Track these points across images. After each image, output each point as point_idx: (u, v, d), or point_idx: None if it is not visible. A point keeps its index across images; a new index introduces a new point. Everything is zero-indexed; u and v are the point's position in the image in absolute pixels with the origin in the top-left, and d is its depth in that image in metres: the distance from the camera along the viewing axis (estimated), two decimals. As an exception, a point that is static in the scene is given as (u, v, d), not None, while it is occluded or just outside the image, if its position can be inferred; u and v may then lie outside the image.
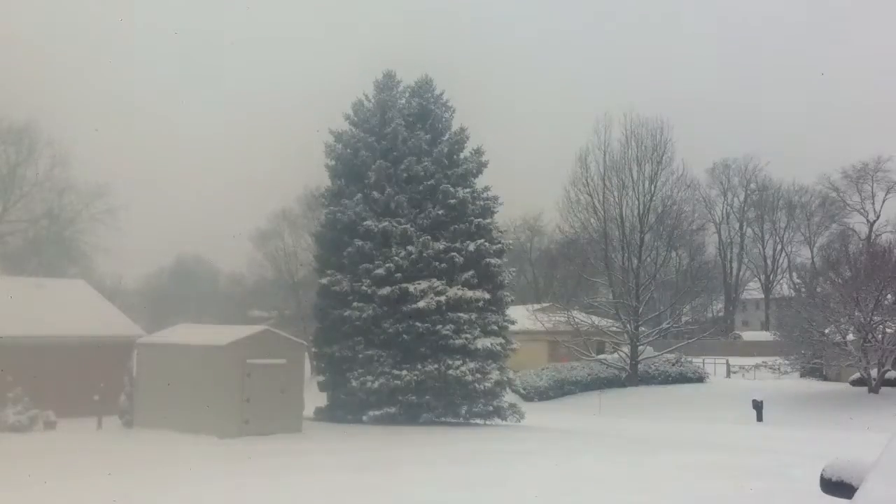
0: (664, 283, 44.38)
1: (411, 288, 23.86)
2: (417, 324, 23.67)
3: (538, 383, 37.17)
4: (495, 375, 24.09)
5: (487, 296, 24.72)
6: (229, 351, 20.01)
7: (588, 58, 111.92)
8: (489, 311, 24.99)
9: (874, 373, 33.47)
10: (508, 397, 26.28)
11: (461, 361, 23.61)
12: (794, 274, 58.88)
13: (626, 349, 40.93)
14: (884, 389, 33.22)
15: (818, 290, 36.83)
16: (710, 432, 24.64)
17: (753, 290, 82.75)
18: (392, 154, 25.58)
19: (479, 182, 26.56)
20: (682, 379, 40.48)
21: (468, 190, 25.54)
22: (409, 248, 24.50)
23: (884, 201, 69.92)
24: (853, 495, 3.52)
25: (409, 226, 24.77)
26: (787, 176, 78.79)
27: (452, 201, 25.04)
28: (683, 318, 48.85)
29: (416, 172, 25.32)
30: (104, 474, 14.11)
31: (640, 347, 40.87)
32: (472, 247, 24.71)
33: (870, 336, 32.86)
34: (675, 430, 25.39)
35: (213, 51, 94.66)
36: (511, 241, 30.08)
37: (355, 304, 24.06)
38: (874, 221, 70.30)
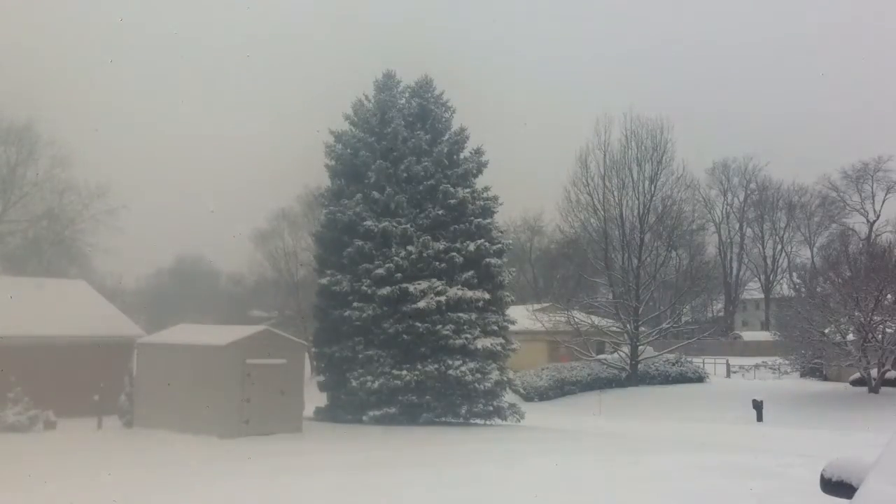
0: (664, 283, 44.42)
1: (411, 288, 23.85)
2: (417, 324, 23.65)
3: (538, 383, 37.17)
4: (495, 375, 24.08)
5: (487, 296, 24.72)
6: (229, 351, 20.00)
7: (588, 58, 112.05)
8: (489, 311, 24.99)
9: (874, 373, 33.48)
10: (508, 397, 26.29)
11: (461, 361, 23.60)
12: (794, 274, 58.80)
13: (626, 349, 40.97)
14: (884, 389, 33.23)
15: (818, 289, 36.79)
16: (710, 432, 24.62)
17: (753, 290, 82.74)
18: (392, 154, 25.57)
19: (479, 182, 26.59)
20: (682, 379, 40.51)
21: (468, 190, 25.53)
22: (409, 248, 24.49)
23: (884, 201, 70.11)
24: (853, 495, 3.52)
25: (409, 226, 24.75)
26: (787, 176, 79.19)
27: (452, 201, 25.04)
28: (683, 318, 48.92)
29: (416, 172, 25.31)
30: (104, 474, 14.11)
31: (640, 347, 40.89)
32: (472, 247, 24.69)
33: (870, 336, 32.84)
34: (675, 430, 25.39)
35: (213, 51, 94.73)
36: (511, 241, 30.03)
37: (355, 304, 24.04)
38: (874, 221, 70.39)
